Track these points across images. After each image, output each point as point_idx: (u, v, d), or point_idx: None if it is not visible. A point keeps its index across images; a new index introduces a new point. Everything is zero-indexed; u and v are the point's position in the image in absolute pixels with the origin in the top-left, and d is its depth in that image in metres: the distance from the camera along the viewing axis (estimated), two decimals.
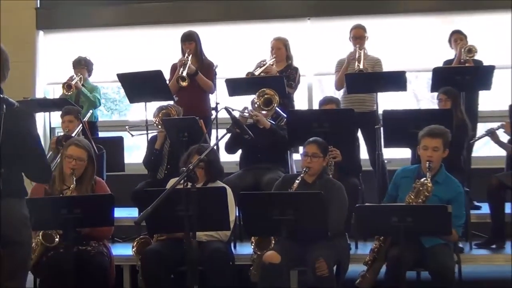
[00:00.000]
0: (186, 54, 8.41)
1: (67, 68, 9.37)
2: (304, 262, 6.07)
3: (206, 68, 8.53)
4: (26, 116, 4.66)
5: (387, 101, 8.86)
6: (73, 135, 7.51)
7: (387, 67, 8.50)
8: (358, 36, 8.46)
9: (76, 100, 8.80)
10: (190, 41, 8.53)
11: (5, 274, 4.53)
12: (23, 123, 4.58)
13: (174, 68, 8.57)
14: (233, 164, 8.12)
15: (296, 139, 7.26)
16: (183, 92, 8.38)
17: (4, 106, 4.50)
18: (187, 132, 7.44)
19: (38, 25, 10.44)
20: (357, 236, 7.38)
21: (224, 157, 7.89)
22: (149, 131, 8.32)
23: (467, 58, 8.26)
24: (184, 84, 8.23)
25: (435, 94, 7.69)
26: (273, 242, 6.30)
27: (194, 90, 8.43)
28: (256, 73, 8.24)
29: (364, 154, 8.26)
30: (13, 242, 4.39)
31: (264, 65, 8.33)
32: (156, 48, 10.05)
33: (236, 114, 7.14)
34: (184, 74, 8.22)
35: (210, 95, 8.61)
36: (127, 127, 8.78)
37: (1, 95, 4.54)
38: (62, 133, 7.80)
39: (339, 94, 8.54)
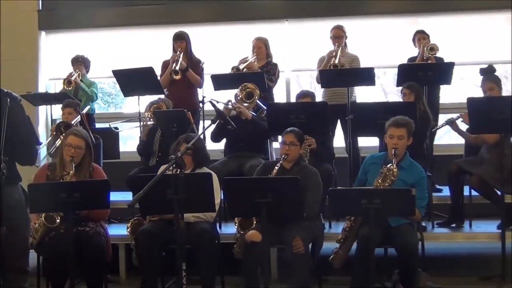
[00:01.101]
0: (178, 52, 8.41)
1: (67, 65, 9.32)
2: (283, 240, 6.09)
3: (195, 65, 8.53)
4: (15, 106, 4.63)
5: (364, 95, 8.93)
6: (72, 122, 7.53)
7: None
8: (337, 35, 8.48)
9: (75, 94, 8.78)
10: (181, 40, 8.52)
11: (9, 256, 4.52)
12: (12, 113, 4.55)
13: (165, 65, 8.57)
14: (218, 152, 8.11)
15: (275, 129, 7.24)
16: (175, 86, 8.40)
17: (8, 100, 4.49)
18: (176, 123, 7.43)
19: (40, 26, 10.38)
20: (330, 217, 7.40)
21: (210, 145, 7.88)
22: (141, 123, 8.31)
23: (430, 55, 8.25)
24: (177, 77, 8.25)
25: (401, 88, 7.69)
26: (255, 222, 6.31)
27: (184, 85, 8.44)
28: (241, 67, 8.24)
29: (341, 142, 8.27)
30: (10, 226, 4.36)
31: (246, 61, 8.34)
32: (149, 47, 10.01)
33: (221, 106, 7.15)
34: (177, 68, 8.22)
35: (198, 89, 8.60)
36: (109, 124, 8.77)
37: (5, 90, 4.52)
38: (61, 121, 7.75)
39: (320, 88, 8.54)
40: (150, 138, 7.90)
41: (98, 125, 9.22)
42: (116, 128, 8.64)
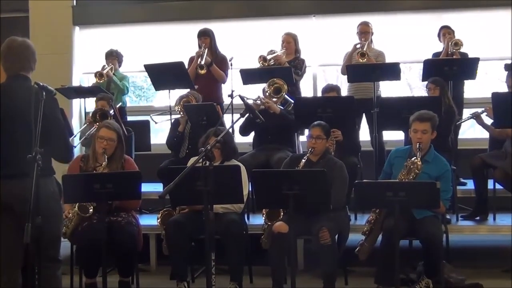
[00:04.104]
0: (202, 47, 8.42)
1: (100, 59, 9.38)
2: (309, 231, 6.08)
3: (219, 61, 8.55)
4: (51, 101, 4.65)
5: (389, 89, 8.89)
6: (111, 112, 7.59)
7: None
8: (363, 31, 8.46)
9: (107, 88, 8.83)
10: (206, 37, 8.55)
11: (42, 245, 4.54)
12: (49, 108, 4.57)
13: (191, 60, 8.59)
14: (247, 145, 8.12)
15: (303, 123, 7.24)
16: (199, 81, 8.41)
17: (44, 93, 4.51)
18: (205, 117, 7.45)
19: (74, 21, 10.43)
20: (356, 209, 7.38)
21: (239, 138, 7.88)
22: (172, 116, 8.33)
23: (454, 50, 8.18)
24: (202, 72, 8.28)
25: (426, 83, 7.64)
26: (282, 213, 6.30)
27: (209, 80, 8.46)
28: (268, 57, 8.24)
29: (366, 136, 8.23)
30: (45, 217, 4.38)
31: (274, 53, 8.33)
32: (179, 42, 10.02)
33: (250, 102, 7.12)
34: (202, 63, 8.23)
35: (222, 84, 8.63)
36: (151, 115, 8.81)
37: (41, 83, 4.54)
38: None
39: (346, 82, 8.51)
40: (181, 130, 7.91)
41: (130, 118, 9.26)
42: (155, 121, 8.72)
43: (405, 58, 9.36)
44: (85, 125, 7.87)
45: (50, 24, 10.15)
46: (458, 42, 8.20)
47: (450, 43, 8.23)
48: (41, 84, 4.54)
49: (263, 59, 8.22)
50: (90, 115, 7.69)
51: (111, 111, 7.70)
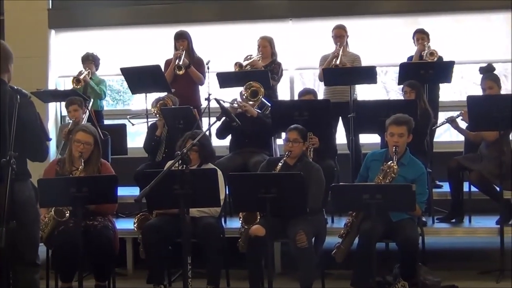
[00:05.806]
0: (180, 50, 8.44)
1: (76, 63, 9.31)
2: (286, 235, 6.08)
3: (196, 63, 8.56)
4: (26, 104, 4.62)
5: (365, 93, 8.91)
6: (83, 122, 7.50)
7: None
8: (339, 35, 8.43)
9: (84, 92, 8.73)
10: (183, 39, 8.55)
11: (19, 250, 4.52)
12: (24, 110, 4.54)
13: (167, 63, 8.61)
14: (224, 148, 8.11)
15: (280, 126, 7.24)
16: (177, 84, 8.42)
17: (18, 96, 4.47)
18: (182, 120, 7.43)
19: (50, 24, 10.38)
20: (333, 212, 7.41)
21: (216, 141, 7.88)
22: (148, 120, 8.31)
23: (430, 60, 8.16)
24: (180, 72, 8.30)
25: (402, 86, 7.67)
26: (259, 217, 6.30)
27: (187, 82, 8.48)
28: (244, 63, 8.24)
29: (342, 139, 8.25)
30: (22, 221, 4.36)
31: (250, 58, 8.33)
32: (157, 45, 9.98)
33: (227, 106, 7.13)
34: (180, 63, 8.25)
35: (200, 87, 8.63)
36: (128, 117, 8.78)
37: (15, 87, 4.50)
38: (71, 122, 7.75)
39: (322, 86, 8.52)
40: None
41: (106, 122, 9.22)
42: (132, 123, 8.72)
43: (381, 62, 9.40)
44: (63, 142, 7.72)
45: (25, 27, 10.08)
46: (434, 53, 8.17)
47: (426, 53, 8.23)
48: (15, 87, 4.51)
49: (239, 66, 8.23)
50: (67, 132, 7.54)
51: (86, 114, 7.66)
